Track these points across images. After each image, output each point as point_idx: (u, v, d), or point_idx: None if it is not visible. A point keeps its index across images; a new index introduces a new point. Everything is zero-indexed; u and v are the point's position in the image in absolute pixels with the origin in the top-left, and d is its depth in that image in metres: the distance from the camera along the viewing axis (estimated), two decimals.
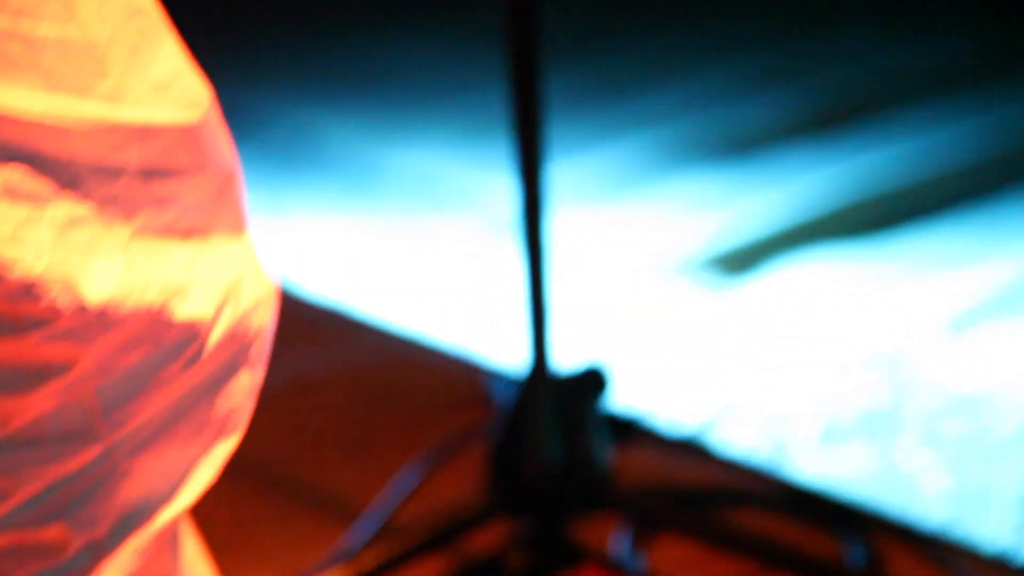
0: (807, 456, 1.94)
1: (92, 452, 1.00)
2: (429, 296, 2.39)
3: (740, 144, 2.93)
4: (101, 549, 1.02)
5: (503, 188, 2.42)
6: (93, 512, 1.01)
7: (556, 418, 1.57)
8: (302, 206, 2.70)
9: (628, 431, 1.71)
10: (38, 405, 0.97)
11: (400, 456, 1.83)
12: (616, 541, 1.66)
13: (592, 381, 1.59)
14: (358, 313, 2.23)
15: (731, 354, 2.17)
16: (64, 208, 0.94)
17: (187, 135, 1.02)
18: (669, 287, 2.40)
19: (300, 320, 2.23)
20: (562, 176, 2.77)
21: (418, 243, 2.56)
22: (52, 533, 1.01)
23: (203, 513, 1.78)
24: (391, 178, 2.84)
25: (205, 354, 1.03)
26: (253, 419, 2.00)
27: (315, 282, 2.38)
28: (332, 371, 2.09)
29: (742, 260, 2.58)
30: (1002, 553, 1.71)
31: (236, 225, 1.05)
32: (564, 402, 1.58)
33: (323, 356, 2.13)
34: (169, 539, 1.10)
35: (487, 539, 1.63)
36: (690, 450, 1.87)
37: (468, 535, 1.62)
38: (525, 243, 1.53)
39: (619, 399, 1.80)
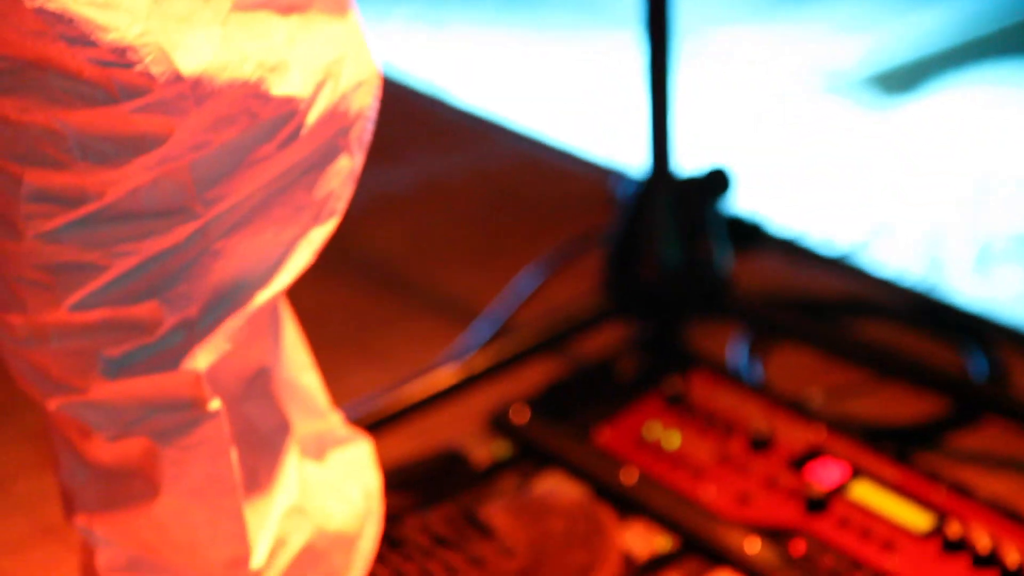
0: (958, 278, 1.89)
1: (187, 230, 1.00)
2: (565, 102, 2.36)
3: None
4: (194, 329, 1.02)
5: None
6: (186, 291, 1.01)
7: (675, 220, 1.54)
8: (462, 19, 2.69)
9: (751, 237, 1.67)
10: (133, 178, 0.97)
11: (523, 260, 1.81)
12: (732, 348, 1.64)
13: (714, 183, 1.55)
14: (493, 117, 2.20)
15: (883, 175, 2.13)
16: None
17: None
18: (825, 105, 2.35)
19: (433, 123, 2.22)
20: None
21: (563, 53, 2.53)
22: (145, 310, 1.01)
23: (324, 310, 1.80)
24: None
25: (302, 134, 1.01)
26: (379, 220, 2.01)
27: (461, 89, 2.36)
28: (462, 174, 2.07)
29: (899, 80, 2.51)
30: None
31: (339, 4, 1.03)
32: (684, 204, 1.55)
33: (455, 159, 2.11)
34: (268, 324, 1.10)
35: (601, 342, 1.62)
36: (814, 259, 1.83)
37: (582, 338, 1.61)
38: (649, 38, 1.49)
39: (745, 205, 1.76)
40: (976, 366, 1.62)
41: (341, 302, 1.81)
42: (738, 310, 1.58)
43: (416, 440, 1.52)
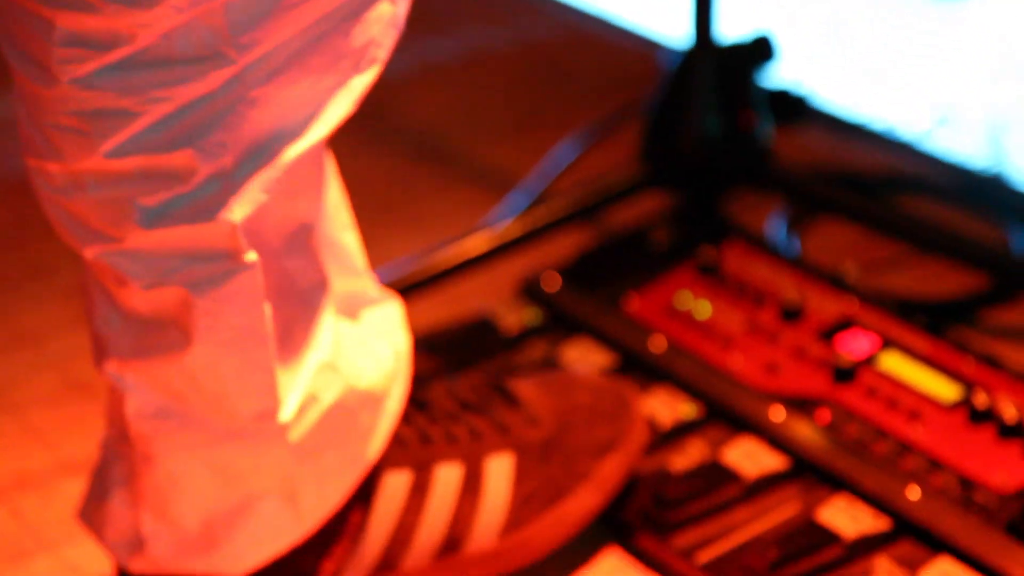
0: (1013, 163, 1.88)
1: (221, 76, 1.00)
2: None
3: None
4: (230, 179, 1.02)
5: None
6: (222, 140, 1.01)
7: (717, 89, 1.53)
8: None
9: (796, 110, 1.67)
10: (164, 20, 0.97)
11: (564, 132, 1.81)
12: (770, 221, 1.64)
13: (758, 51, 1.54)
14: None
15: (943, 59, 2.11)
16: None
17: None
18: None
19: None
20: None
21: None
22: (180, 159, 1.01)
23: (363, 177, 1.80)
24: None
25: None
26: (422, 89, 2.01)
27: None
28: (506, 45, 2.07)
29: None
30: None
31: None
32: (727, 72, 1.54)
33: (499, 30, 2.11)
34: (310, 179, 1.10)
35: (636, 212, 1.62)
36: (859, 134, 1.83)
37: (618, 207, 1.61)
38: None
39: (791, 77, 1.75)
40: (1019, 242, 1.62)
41: (380, 169, 1.82)
42: (778, 182, 1.58)
43: (447, 306, 1.54)
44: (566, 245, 1.59)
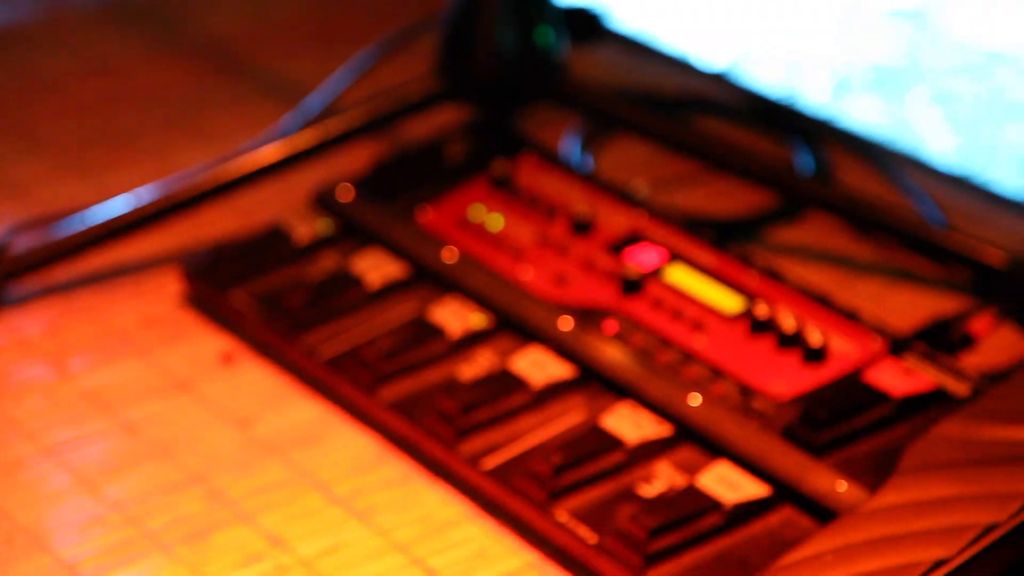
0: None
1: None
2: None
3: None
4: None
5: None
6: None
7: (512, 3, 1.54)
8: None
9: (591, 27, 1.68)
10: None
11: (360, 45, 1.80)
12: (565, 137, 1.66)
13: None
14: None
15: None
16: None
17: None
18: None
19: None
20: None
21: None
22: None
23: (159, 90, 1.78)
24: None
25: None
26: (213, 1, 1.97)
27: None
28: None
29: None
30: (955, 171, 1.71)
31: None
32: None
33: None
34: None
35: (432, 126, 1.62)
36: (653, 55, 1.85)
37: (413, 121, 1.61)
38: None
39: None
40: (803, 163, 1.65)
41: (177, 82, 1.79)
42: (572, 99, 1.59)
43: (239, 218, 1.53)
44: (361, 157, 1.59)
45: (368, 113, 1.57)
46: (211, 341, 1.39)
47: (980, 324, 1.36)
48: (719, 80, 1.82)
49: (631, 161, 1.64)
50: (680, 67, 1.85)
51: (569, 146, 1.64)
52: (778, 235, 1.57)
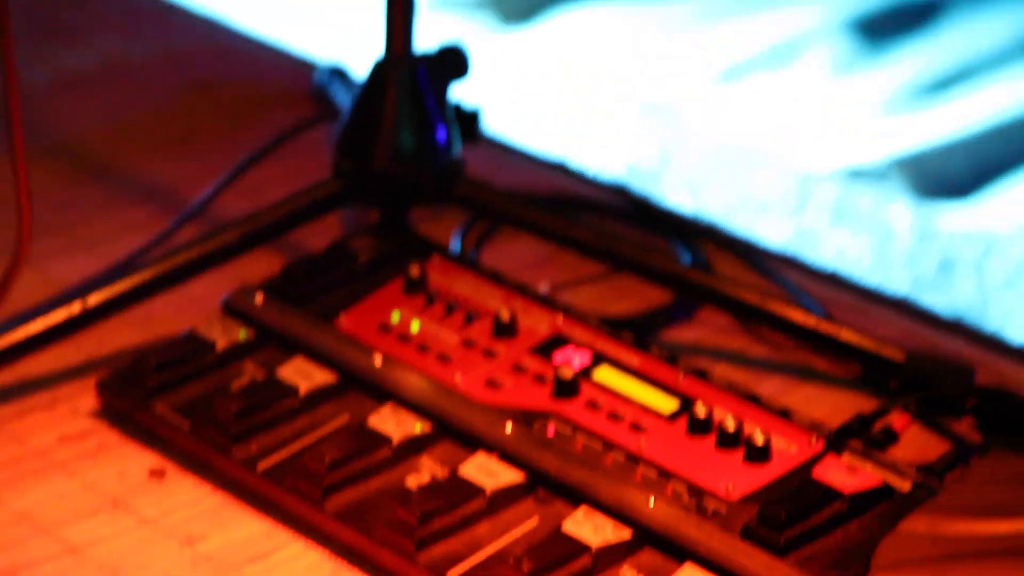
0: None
1: None
2: None
3: None
4: None
5: None
6: None
7: (410, 101, 1.53)
8: None
9: (470, 124, 1.68)
10: None
11: (224, 147, 1.78)
12: (461, 235, 1.65)
13: (451, 62, 1.55)
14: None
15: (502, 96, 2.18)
16: None
17: None
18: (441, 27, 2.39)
19: (113, 3, 2.14)
20: None
21: None
22: None
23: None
24: None
25: None
26: (70, 102, 1.93)
27: None
28: (145, 55, 2.01)
29: (517, 4, 2.56)
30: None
31: None
32: (420, 85, 1.53)
33: (134, 40, 2.04)
34: None
35: (332, 230, 1.60)
36: (519, 153, 1.87)
37: (312, 225, 1.58)
38: None
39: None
40: (684, 258, 1.67)
41: (40, 187, 1.73)
42: (469, 199, 1.59)
43: (142, 329, 1.48)
44: (260, 264, 1.55)
45: (271, 217, 1.54)
46: (137, 456, 1.34)
47: (898, 419, 1.40)
48: (585, 179, 1.84)
49: (526, 259, 1.64)
50: (548, 165, 1.86)
51: (468, 243, 1.64)
52: (675, 333, 1.59)
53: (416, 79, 1.53)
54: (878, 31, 2.50)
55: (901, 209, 2.04)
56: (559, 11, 2.52)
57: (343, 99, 1.84)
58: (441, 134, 1.55)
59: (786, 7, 2.54)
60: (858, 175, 2.13)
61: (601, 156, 2.05)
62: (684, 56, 2.43)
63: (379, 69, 1.53)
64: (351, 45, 2.28)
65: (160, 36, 2.04)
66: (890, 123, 2.27)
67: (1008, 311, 1.83)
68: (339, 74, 1.90)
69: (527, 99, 2.23)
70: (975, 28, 2.53)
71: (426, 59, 1.55)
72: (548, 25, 2.49)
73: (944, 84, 2.37)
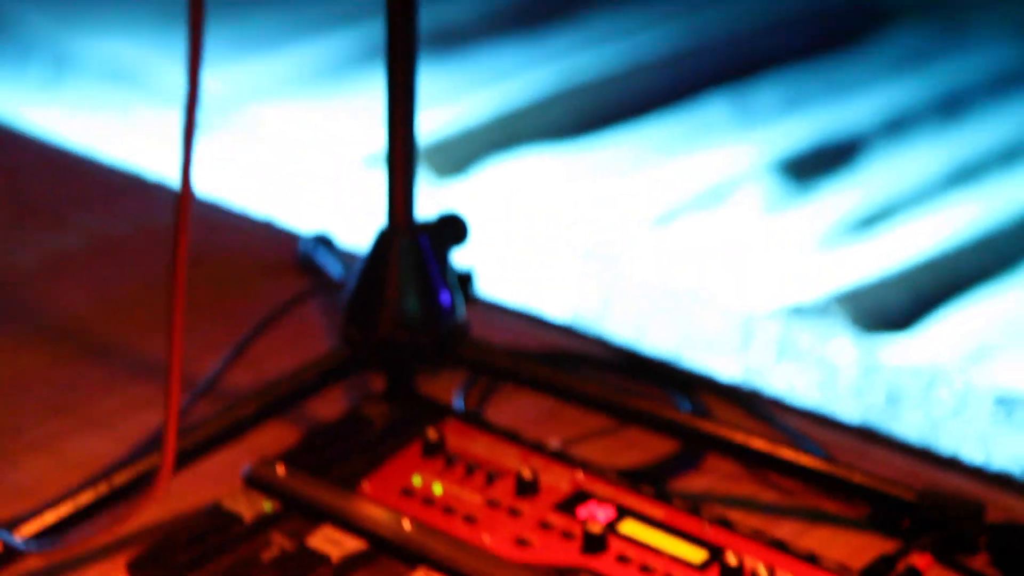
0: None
1: None
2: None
3: (444, 40, 2.95)
4: None
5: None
6: None
7: (413, 268, 1.55)
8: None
9: (467, 286, 1.70)
10: None
11: (218, 319, 1.79)
12: (466, 395, 1.67)
13: (451, 229, 1.57)
14: (151, 175, 2.16)
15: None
16: None
17: None
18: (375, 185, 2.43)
19: (92, 181, 2.15)
20: (261, 70, 2.77)
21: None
22: None
23: (25, 381, 1.72)
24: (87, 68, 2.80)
25: None
26: (58, 283, 1.93)
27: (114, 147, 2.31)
28: (128, 232, 2.02)
29: (451, 158, 2.61)
30: None
31: None
32: (422, 252, 1.56)
33: (120, 216, 2.06)
34: None
35: (346, 397, 1.61)
36: (514, 312, 1.89)
37: (325, 394, 1.60)
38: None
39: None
40: (684, 408, 1.70)
41: (44, 368, 1.74)
42: (474, 360, 1.61)
43: (165, 503, 1.48)
44: (278, 436, 1.56)
45: (285, 389, 1.55)
46: None
47: (920, 559, 1.42)
48: (582, 335, 1.87)
49: (526, 416, 1.66)
50: (543, 323, 1.89)
51: (477, 402, 1.66)
52: (684, 483, 1.61)
53: (419, 247, 1.56)
54: (805, 170, 2.56)
55: (844, 344, 2.08)
56: (492, 162, 2.57)
57: (332, 267, 1.86)
58: (445, 298, 1.58)
59: (713, 150, 2.61)
60: (799, 312, 2.17)
61: (546, 301, 2.09)
62: (620, 200, 2.48)
63: (383, 239, 1.56)
64: (329, 213, 2.32)
65: (141, 212, 2.06)
66: (825, 259, 2.32)
67: (959, 440, 1.87)
68: (324, 242, 1.93)
69: (470, 250, 2.27)
70: (897, 164, 2.60)
71: (427, 227, 1.57)
72: (483, 176, 2.54)
73: (873, 219, 2.44)
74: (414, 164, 1.54)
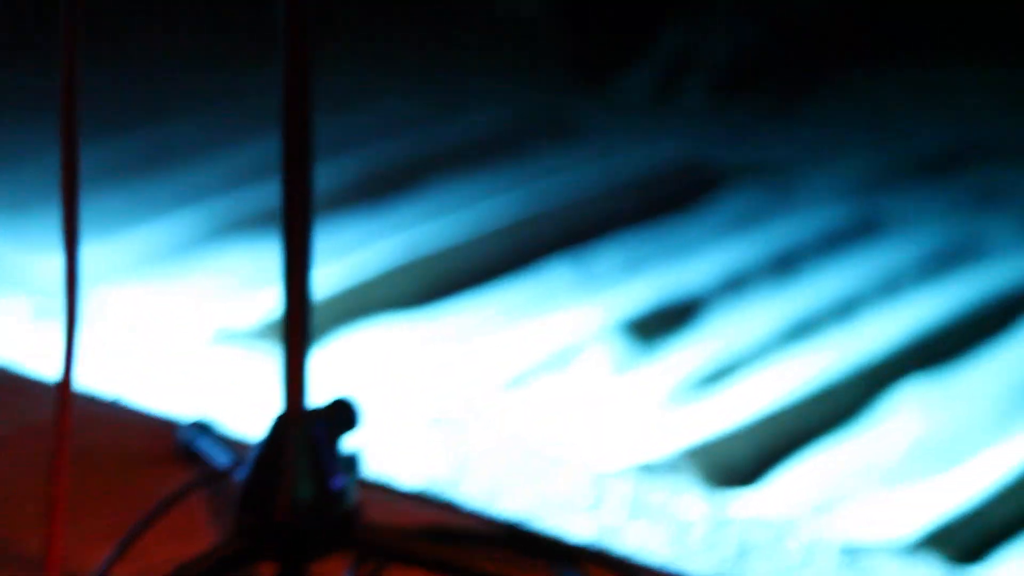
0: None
1: None
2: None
3: None
4: None
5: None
6: None
7: (307, 453, 1.58)
8: None
9: (352, 468, 1.74)
10: None
11: (102, 512, 1.79)
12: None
13: (341, 415, 1.61)
14: (27, 371, 2.17)
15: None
16: None
17: None
18: (228, 358, 2.45)
19: None
20: (106, 251, 2.78)
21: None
22: None
23: None
24: None
25: None
26: None
27: None
28: (11, 430, 2.02)
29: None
30: None
31: None
32: (315, 438, 1.59)
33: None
34: None
35: None
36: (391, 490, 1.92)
37: None
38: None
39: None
40: None
41: None
42: (367, 541, 1.64)
43: None
44: None
45: None
46: None
47: None
48: (464, 512, 1.90)
49: None
50: (422, 501, 1.92)
51: None
52: None
53: (313, 434, 1.59)
54: (649, 330, 2.62)
55: (694, 499, 2.13)
56: (341, 331, 2.60)
57: (215, 454, 1.88)
58: (338, 483, 1.61)
59: (559, 313, 2.67)
60: (649, 469, 2.22)
61: (399, 469, 2.12)
62: (469, 366, 2.52)
63: (278, 426, 1.59)
64: (191, 394, 2.33)
65: (17, 410, 2.06)
66: (673, 416, 2.38)
67: None
68: (203, 428, 1.94)
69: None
70: (737, 321, 2.68)
71: (321, 412, 1.61)
72: (333, 346, 2.56)
73: (717, 376, 2.50)
74: (309, 349, 1.58)
